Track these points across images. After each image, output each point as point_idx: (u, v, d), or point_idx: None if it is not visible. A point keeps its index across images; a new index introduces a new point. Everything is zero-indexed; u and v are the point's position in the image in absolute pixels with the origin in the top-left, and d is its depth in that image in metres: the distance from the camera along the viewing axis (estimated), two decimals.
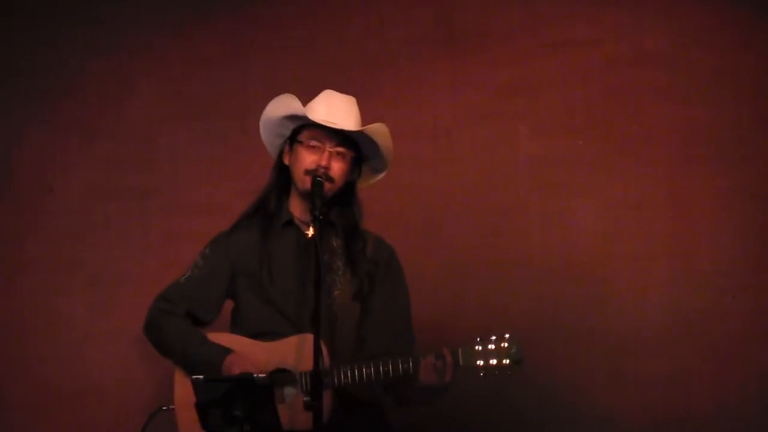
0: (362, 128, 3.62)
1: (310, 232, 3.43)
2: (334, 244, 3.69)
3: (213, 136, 5.04)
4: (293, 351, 3.52)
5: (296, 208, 3.71)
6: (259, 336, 3.63)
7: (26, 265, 5.08)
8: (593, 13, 4.78)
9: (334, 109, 3.64)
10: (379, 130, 3.65)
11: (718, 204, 4.65)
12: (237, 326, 3.73)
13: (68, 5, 5.15)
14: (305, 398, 3.23)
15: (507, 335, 3.35)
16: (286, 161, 3.70)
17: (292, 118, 3.66)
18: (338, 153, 3.61)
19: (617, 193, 4.71)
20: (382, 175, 3.82)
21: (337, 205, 3.70)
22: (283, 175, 3.73)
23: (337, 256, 3.67)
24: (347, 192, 3.71)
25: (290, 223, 3.71)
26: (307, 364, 3.37)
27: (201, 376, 3.19)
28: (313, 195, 3.51)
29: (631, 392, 4.61)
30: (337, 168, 3.60)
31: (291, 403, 3.50)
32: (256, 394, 3.14)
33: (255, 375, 3.20)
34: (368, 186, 3.85)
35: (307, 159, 3.60)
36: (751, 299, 4.58)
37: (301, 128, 3.66)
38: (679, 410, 4.57)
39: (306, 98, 3.74)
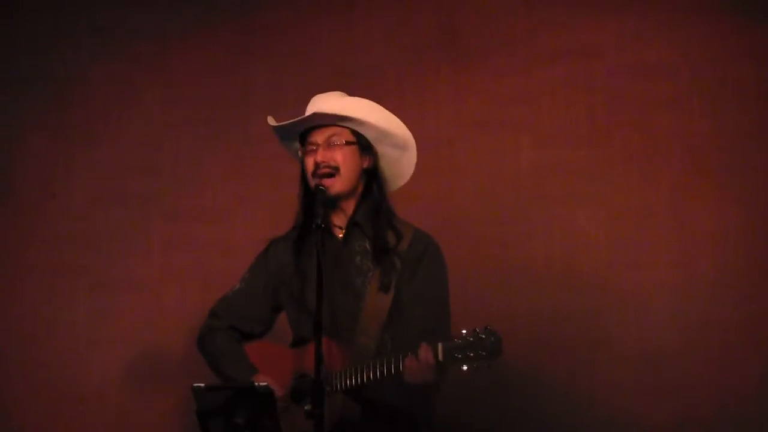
0: (333, 110, 3.54)
1: (339, 235, 3.53)
2: (364, 245, 3.67)
3: (216, 142, 5.05)
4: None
5: (328, 213, 3.66)
6: (299, 343, 3.62)
7: (29, 271, 5.09)
8: (596, 22, 4.78)
9: (315, 105, 3.60)
10: (358, 106, 3.60)
11: (721, 214, 4.64)
12: (292, 335, 3.75)
13: (71, 13, 5.17)
14: (306, 407, 3.22)
15: (487, 327, 3.31)
16: None
17: (284, 135, 3.66)
18: (332, 143, 3.57)
19: (619, 203, 4.71)
20: (408, 151, 3.69)
21: (362, 200, 3.65)
22: (309, 189, 3.69)
23: (367, 257, 3.65)
24: (369, 183, 3.65)
25: (324, 229, 3.66)
26: (330, 368, 3.39)
27: (202, 384, 3.18)
28: (315, 204, 3.50)
29: (632, 400, 4.60)
30: (337, 156, 3.56)
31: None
32: (257, 402, 3.14)
33: (256, 383, 3.19)
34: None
35: (308, 163, 3.59)
36: (753, 309, 4.57)
37: (301, 141, 3.65)
38: (680, 419, 4.56)
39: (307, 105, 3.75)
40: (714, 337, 4.58)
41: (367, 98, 3.67)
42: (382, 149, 3.66)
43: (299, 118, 3.58)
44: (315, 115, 3.56)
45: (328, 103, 3.61)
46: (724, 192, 4.63)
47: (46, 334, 5.06)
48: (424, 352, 3.30)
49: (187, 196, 5.06)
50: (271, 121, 3.65)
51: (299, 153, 3.65)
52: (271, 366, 3.61)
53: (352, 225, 3.64)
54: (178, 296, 5.03)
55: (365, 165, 3.64)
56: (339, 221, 3.65)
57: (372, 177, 3.66)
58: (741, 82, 4.67)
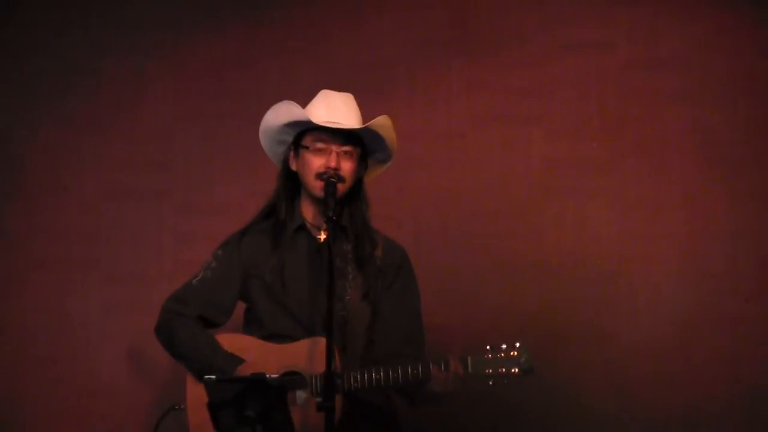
0: (367, 124, 3.60)
1: (322, 236, 3.45)
2: (345, 248, 3.68)
3: (227, 136, 5.04)
4: (305, 354, 3.52)
5: (308, 212, 3.70)
6: (272, 338, 3.63)
7: (40, 265, 5.09)
8: (608, 15, 4.78)
9: (334, 109, 3.62)
10: (383, 124, 3.64)
11: (732, 207, 4.63)
12: (250, 327, 3.73)
13: (83, 5, 5.17)
14: (317, 399, 3.23)
15: (518, 344, 3.33)
16: (293, 167, 3.69)
17: (294, 124, 3.65)
18: (346, 152, 3.60)
19: (631, 196, 4.70)
20: (387, 165, 3.81)
21: (346, 205, 3.69)
22: (290, 182, 3.71)
23: (348, 260, 3.67)
24: (355, 189, 3.70)
25: (302, 228, 3.70)
26: (319, 367, 3.38)
27: (213, 376, 3.18)
28: (327, 196, 3.50)
29: (643, 393, 4.60)
30: (346, 167, 3.60)
31: (302, 406, 3.50)
32: (268, 395, 3.14)
33: (267, 375, 3.19)
34: (375, 179, 3.85)
35: (315, 163, 3.59)
36: (764, 302, 4.56)
37: (304, 133, 3.65)
38: (691, 412, 4.56)
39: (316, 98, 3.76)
40: (725, 330, 4.57)
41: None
42: (370, 161, 3.75)
43: (346, 126, 3.59)
44: (377, 122, 3.60)
45: (354, 112, 3.65)
46: (735, 185, 4.62)
47: (57, 328, 5.06)
48: (455, 363, 3.33)
49: (199, 189, 5.06)
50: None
51: (288, 151, 3.70)
52: (252, 359, 3.60)
53: (339, 229, 3.65)
54: None
55: (359, 175, 3.70)
56: (318, 222, 3.65)
57: (359, 184, 3.71)
58: (753, 75, 4.67)
